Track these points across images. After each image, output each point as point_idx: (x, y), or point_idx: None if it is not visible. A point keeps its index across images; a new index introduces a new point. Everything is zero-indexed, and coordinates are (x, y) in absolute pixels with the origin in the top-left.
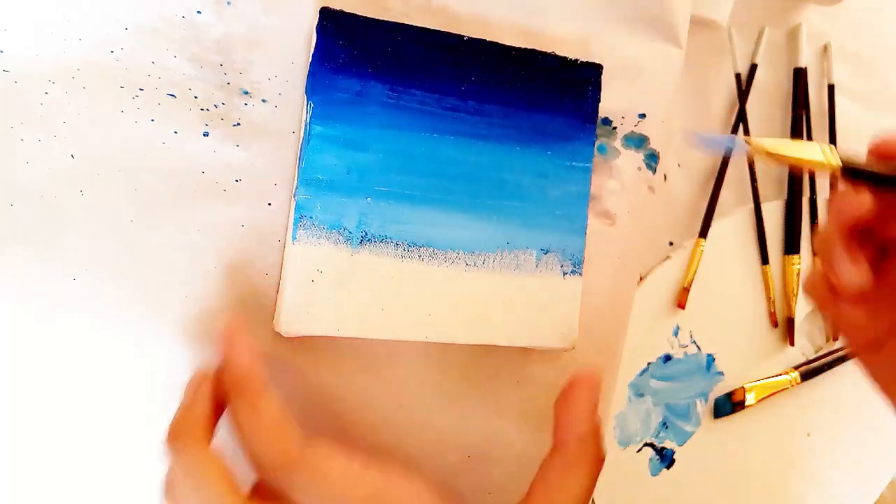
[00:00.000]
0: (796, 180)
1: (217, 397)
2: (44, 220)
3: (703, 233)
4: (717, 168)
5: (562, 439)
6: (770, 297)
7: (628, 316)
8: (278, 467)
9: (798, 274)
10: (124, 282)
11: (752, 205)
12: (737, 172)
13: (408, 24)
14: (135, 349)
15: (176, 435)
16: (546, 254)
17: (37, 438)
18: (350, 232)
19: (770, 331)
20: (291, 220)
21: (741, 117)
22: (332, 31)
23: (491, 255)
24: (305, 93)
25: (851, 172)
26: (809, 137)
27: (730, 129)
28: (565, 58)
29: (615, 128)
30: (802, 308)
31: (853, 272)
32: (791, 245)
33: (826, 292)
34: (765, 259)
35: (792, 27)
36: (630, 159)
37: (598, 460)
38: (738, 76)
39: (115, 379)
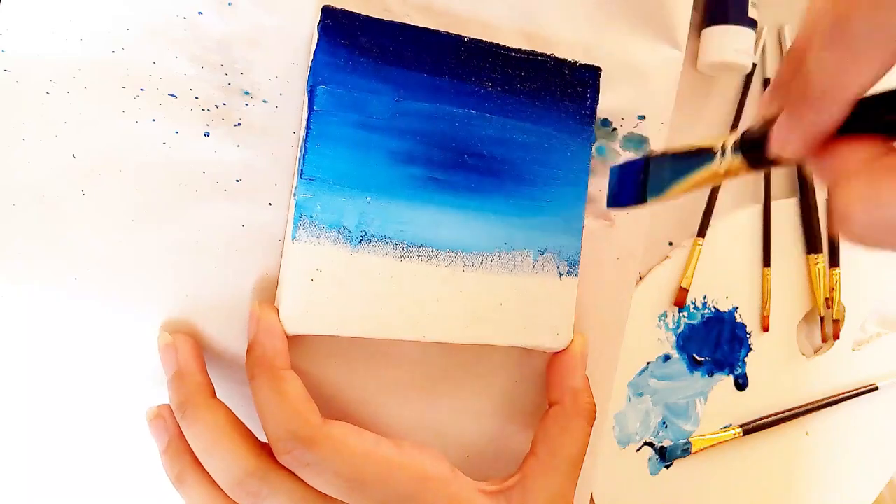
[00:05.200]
0: (807, 178)
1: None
2: (45, 219)
3: (702, 232)
4: None
5: (557, 396)
6: (765, 301)
7: (627, 316)
8: (299, 440)
9: (823, 273)
10: (125, 281)
11: (756, 205)
12: None
13: (409, 25)
14: (136, 348)
15: (257, 361)
16: (543, 254)
17: (38, 438)
18: (350, 231)
19: (760, 335)
20: (291, 220)
21: (738, 116)
22: (334, 29)
23: (489, 255)
24: (306, 91)
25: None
26: None
27: (728, 127)
28: (564, 59)
29: (615, 129)
30: (801, 309)
31: None
32: (812, 244)
33: None
34: (767, 261)
35: (779, 26)
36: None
37: (592, 411)
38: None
39: (115, 378)
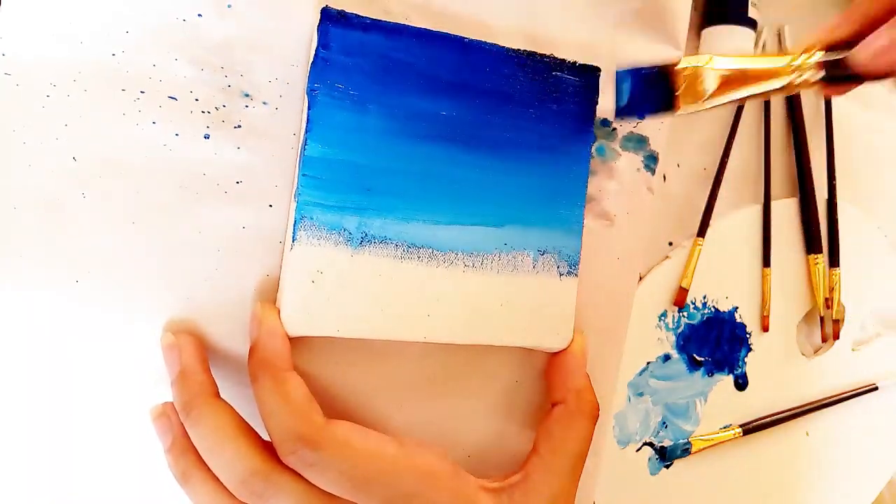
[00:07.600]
0: (807, 178)
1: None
2: (46, 222)
3: (702, 232)
4: (717, 167)
5: (560, 396)
6: (765, 301)
7: (628, 316)
8: (303, 441)
9: (823, 273)
10: (126, 283)
11: (756, 205)
12: (738, 171)
13: (408, 26)
14: (137, 350)
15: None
16: (543, 255)
17: (39, 442)
18: (350, 233)
19: (760, 335)
20: (292, 221)
21: (738, 117)
22: (333, 30)
23: (489, 256)
24: (306, 93)
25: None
26: (804, 138)
27: (728, 127)
28: (564, 60)
29: (614, 129)
30: (801, 309)
31: None
32: (812, 244)
33: None
34: (766, 262)
35: (779, 26)
36: (629, 161)
37: (596, 410)
38: None
39: (117, 382)
